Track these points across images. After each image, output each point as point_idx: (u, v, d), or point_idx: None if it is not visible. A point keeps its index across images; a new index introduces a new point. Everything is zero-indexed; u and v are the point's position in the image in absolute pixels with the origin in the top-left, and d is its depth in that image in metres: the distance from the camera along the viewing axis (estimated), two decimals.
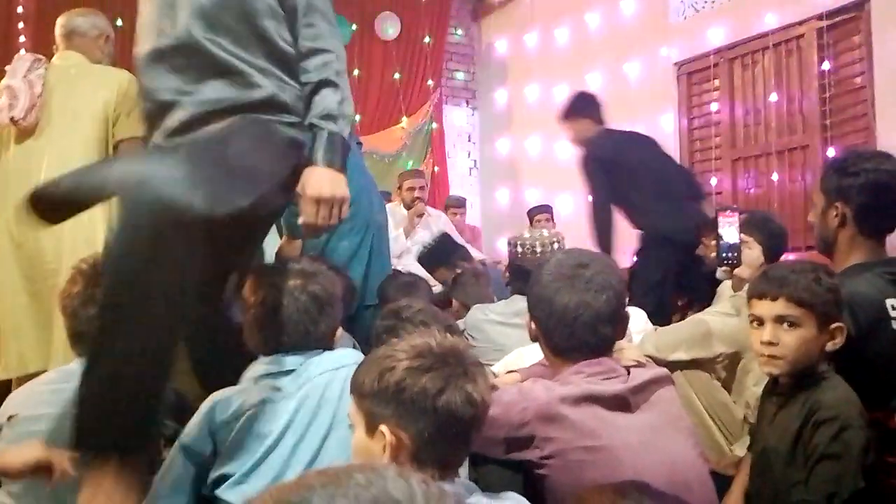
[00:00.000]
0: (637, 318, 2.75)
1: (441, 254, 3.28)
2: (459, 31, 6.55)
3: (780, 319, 1.43)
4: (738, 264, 1.95)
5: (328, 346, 1.48)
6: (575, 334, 1.30)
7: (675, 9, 4.59)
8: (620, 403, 1.27)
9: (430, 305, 1.79)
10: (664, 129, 4.64)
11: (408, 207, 4.39)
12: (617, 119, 4.94)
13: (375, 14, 5.92)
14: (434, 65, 6.20)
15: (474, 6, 6.58)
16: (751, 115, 4.20)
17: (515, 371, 1.54)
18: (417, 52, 6.16)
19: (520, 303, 2.16)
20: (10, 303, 2.27)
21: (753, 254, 2.00)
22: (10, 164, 2.31)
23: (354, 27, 5.78)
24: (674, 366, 2.09)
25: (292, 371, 1.39)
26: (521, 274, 2.13)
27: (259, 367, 1.43)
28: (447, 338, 1.07)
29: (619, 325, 1.35)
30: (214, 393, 1.39)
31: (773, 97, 4.02)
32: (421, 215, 4.47)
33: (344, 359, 1.43)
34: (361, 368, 1.07)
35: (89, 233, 2.21)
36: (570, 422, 1.21)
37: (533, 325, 1.38)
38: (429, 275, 3.27)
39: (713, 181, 4.36)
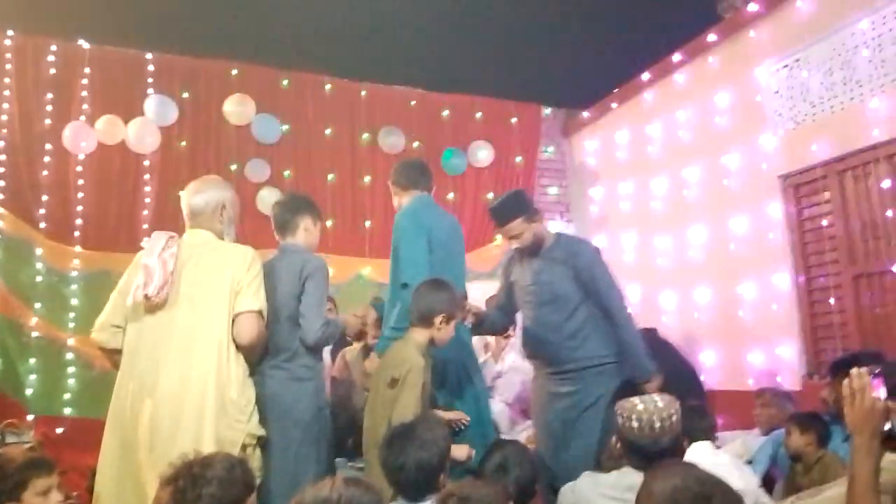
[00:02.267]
0: (745, 475, 2.49)
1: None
2: (550, 149, 6.66)
3: None
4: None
5: None
6: None
7: (773, 121, 4.47)
8: None
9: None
10: (775, 244, 4.44)
11: None
12: (722, 234, 4.82)
13: (468, 141, 6.14)
14: (526, 182, 6.30)
15: (565, 123, 6.70)
16: (868, 230, 3.94)
17: None
18: (510, 171, 6.30)
19: (633, 476, 2.02)
20: (110, 470, 2.33)
21: None
22: (139, 338, 2.41)
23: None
24: None
25: None
26: (636, 450, 2.00)
27: None
28: None
29: None
30: None
31: (890, 213, 3.77)
32: (508, 337, 4.43)
33: None
34: None
35: (200, 425, 2.28)
36: None
37: None
38: None
39: (832, 300, 4.08)
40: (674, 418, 2.01)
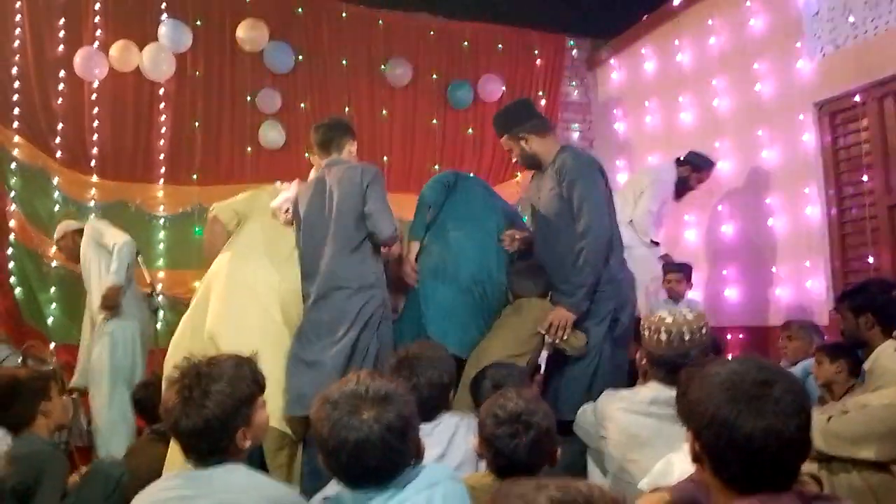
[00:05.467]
0: None
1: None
2: (574, 83, 6.45)
3: None
4: None
5: (418, 459, 1.45)
6: (757, 466, 1.10)
7: (811, 46, 4.25)
8: None
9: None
10: (807, 172, 4.28)
11: None
12: (752, 163, 4.66)
13: (488, 73, 5.93)
14: (549, 118, 6.10)
15: (590, 55, 6.47)
16: None
17: (663, 490, 1.35)
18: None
19: (658, 391, 1.96)
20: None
21: None
22: (257, 237, 2.93)
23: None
24: (852, 464, 1.82)
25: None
26: (663, 364, 1.92)
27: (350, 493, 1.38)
28: (589, 486, 0.93)
29: (806, 454, 1.15)
30: None
31: None
32: None
33: (436, 475, 1.40)
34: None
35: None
36: None
37: (696, 446, 1.18)
38: None
39: (868, 232, 3.93)
40: (703, 330, 1.93)
